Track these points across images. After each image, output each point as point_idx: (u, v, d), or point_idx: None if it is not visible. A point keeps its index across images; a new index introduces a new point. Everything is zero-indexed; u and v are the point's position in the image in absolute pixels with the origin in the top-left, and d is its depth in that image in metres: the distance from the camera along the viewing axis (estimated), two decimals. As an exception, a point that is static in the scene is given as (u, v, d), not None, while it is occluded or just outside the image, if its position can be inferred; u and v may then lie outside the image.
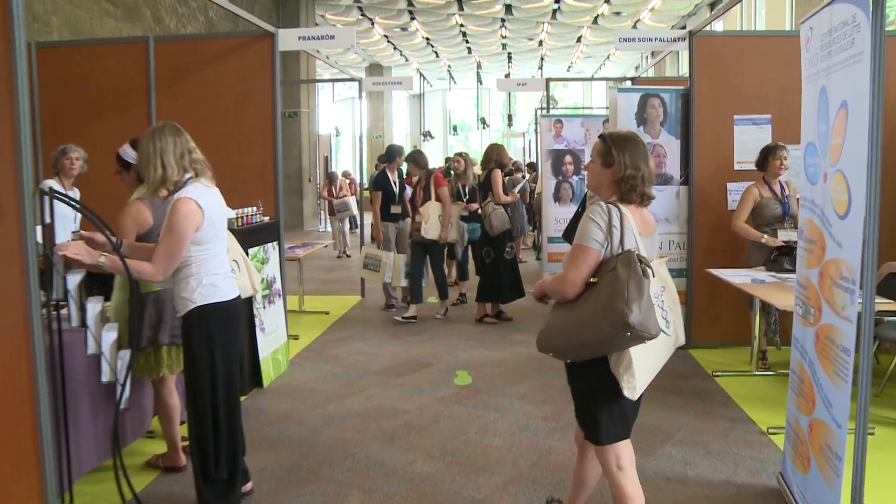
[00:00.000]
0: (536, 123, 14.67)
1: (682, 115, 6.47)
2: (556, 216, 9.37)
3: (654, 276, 2.64)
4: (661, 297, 2.76)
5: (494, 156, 8.04)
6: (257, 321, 5.56)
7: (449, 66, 31.22)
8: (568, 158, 9.35)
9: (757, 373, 5.79)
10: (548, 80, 9.92)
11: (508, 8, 20.59)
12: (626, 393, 2.68)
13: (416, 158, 7.97)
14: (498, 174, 7.90)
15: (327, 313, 8.46)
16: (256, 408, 5.17)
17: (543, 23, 22.35)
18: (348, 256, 13.82)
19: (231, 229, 5.16)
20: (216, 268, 3.37)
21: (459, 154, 8.63)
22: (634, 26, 22.48)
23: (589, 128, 9.35)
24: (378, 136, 31.94)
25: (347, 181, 15.17)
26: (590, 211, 2.69)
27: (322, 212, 21.06)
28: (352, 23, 21.64)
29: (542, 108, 13.26)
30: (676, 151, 6.49)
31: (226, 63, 6.14)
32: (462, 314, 8.34)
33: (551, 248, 9.35)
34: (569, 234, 7.98)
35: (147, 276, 3.12)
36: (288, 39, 6.11)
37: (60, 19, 10.08)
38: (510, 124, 31.27)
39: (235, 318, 3.51)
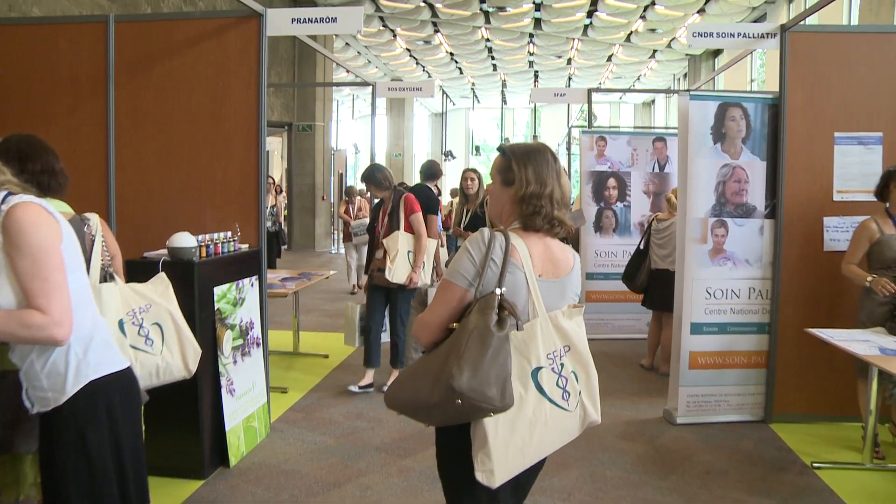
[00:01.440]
0: (569, 142, 13.42)
1: (770, 131, 5.16)
2: (597, 248, 8.03)
3: (519, 329, 2.08)
4: (562, 360, 2.18)
5: None
6: (224, 381, 4.29)
7: (473, 84, 30.35)
8: (612, 182, 8.02)
9: (871, 466, 4.44)
10: (589, 91, 8.59)
11: (538, 22, 19.51)
12: (480, 477, 2.04)
13: (374, 175, 5.87)
14: None
15: (327, 357, 7.17)
16: (213, 501, 3.89)
17: (574, 39, 21.30)
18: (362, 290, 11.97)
19: (185, 262, 3.93)
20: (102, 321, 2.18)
21: (472, 170, 7.05)
22: (669, 45, 21.42)
23: (636, 147, 8.04)
24: (398, 154, 31.12)
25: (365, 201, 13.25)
26: (468, 239, 2.20)
27: (336, 231, 19.78)
28: (373, 33, 20.66)
29: (574, 126, 12.06)
30: (761, 176, 5.17)
31: (201, 50, 4.92)
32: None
33: (591, 286, 8.02)
34: (630, 277, 6.69)
35: (41, 331, 1.91)
36: (279, 22, 4.87)
37: (43, 10, 8.97)
38: (535, 145, 29.97)
39: (138, 394, 2.31)
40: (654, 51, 22.59)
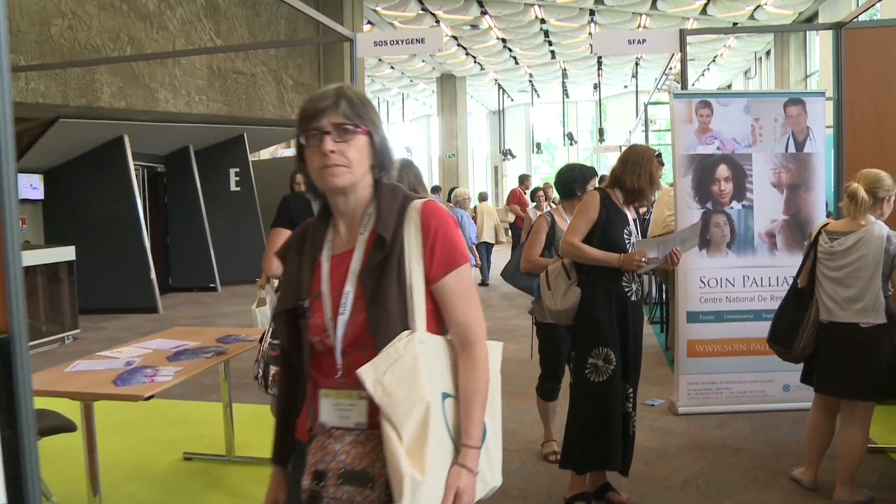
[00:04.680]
0: (646, 124, 10.58)
1: None
2: (704, 274, 5.17)
3: None
4: None
5: (616, 168, 3.74)
6: None
7: (530, 75, 27.92)
8: (723, 170, 5.14)
9: None
10: (682, 32, 5.55)
11: (598, -7, 16.87)
12: None
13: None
14: (592, 198, 3.79)
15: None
16: None
17: (641, 15, 18.51)
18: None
19: None
20: None
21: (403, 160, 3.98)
22: (752, 15, 18.47)
23: (760, 115, 5.20)
24: (451, 154, 28.93)
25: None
26: None
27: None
28: (411, 19, 18.25)
29: (650, 103, 9.22)
30: None
31: None
32: (518, 486, 4.33)
33: (692, 332, 5.18)
34: (782, 338, 3.81)
35: None
36: None
37: None
38: (601, 139, 27.25)
39: None
40: (734, 24, 19.72)
